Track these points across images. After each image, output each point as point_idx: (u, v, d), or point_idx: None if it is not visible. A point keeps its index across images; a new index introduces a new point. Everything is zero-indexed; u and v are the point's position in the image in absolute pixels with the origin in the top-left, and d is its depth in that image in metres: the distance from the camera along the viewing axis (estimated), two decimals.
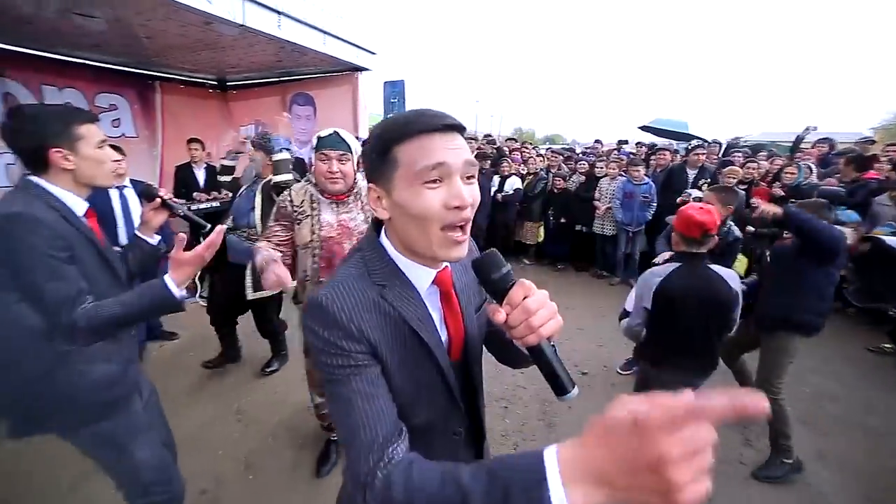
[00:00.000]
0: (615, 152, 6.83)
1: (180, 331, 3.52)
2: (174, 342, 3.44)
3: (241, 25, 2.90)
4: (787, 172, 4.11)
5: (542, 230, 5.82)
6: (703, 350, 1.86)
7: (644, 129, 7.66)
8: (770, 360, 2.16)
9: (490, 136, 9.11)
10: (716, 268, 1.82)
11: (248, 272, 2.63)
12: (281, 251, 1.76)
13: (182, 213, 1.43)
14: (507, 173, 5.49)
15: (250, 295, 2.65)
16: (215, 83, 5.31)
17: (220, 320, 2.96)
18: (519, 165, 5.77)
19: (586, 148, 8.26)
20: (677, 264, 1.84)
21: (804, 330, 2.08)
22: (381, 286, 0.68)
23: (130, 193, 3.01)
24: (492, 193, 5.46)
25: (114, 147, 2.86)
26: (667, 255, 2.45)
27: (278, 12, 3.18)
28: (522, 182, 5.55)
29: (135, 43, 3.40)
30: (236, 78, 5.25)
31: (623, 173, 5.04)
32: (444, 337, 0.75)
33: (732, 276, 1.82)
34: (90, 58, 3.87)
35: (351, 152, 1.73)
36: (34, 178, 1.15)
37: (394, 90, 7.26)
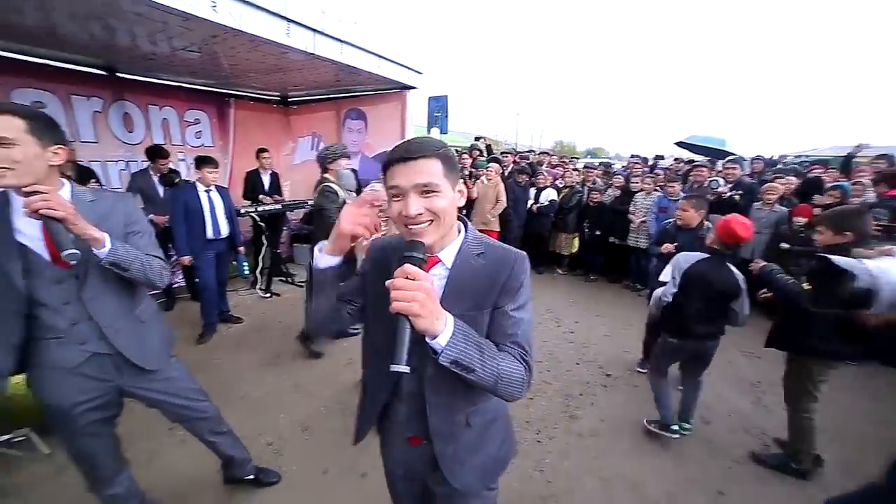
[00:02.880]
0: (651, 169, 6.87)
1: (245, 317, 4.04)
2: (240, 325, 3.94)
3: (311, 54, 3.37)
4: (829, 193, 4.07)
5: (576, 241, 5.96)
6: (712, 321, 2.28)
7: (680, 144, 7.59)
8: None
9: (514, 149, 10.02)
10: (731, 266, 2.20)
11: None
12: None
13: None
14: (542, 185, 5.71)
15: None
16: (278, 99, 5.95)
17: None
18: (556, 179, 5.95)
19: (624, 166, 8.33)
20: (706, 255, 2.21)
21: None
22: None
23: (215, 195, 3.58)
24: (528, 205, 5.70)
25: (205, 158, 3.43)
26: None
27: (342, 41, 3.64)
28: (558, 194, 5.74)
29: (220, 69, 3.99)
30: (298, 94, 5.85)
31: (658, 188, 5.14)
32: None
33: (741, 276, 2.19)
34: (183, 81, 4.55)
35: None
36: None
37: (437, 104, 7.69)
